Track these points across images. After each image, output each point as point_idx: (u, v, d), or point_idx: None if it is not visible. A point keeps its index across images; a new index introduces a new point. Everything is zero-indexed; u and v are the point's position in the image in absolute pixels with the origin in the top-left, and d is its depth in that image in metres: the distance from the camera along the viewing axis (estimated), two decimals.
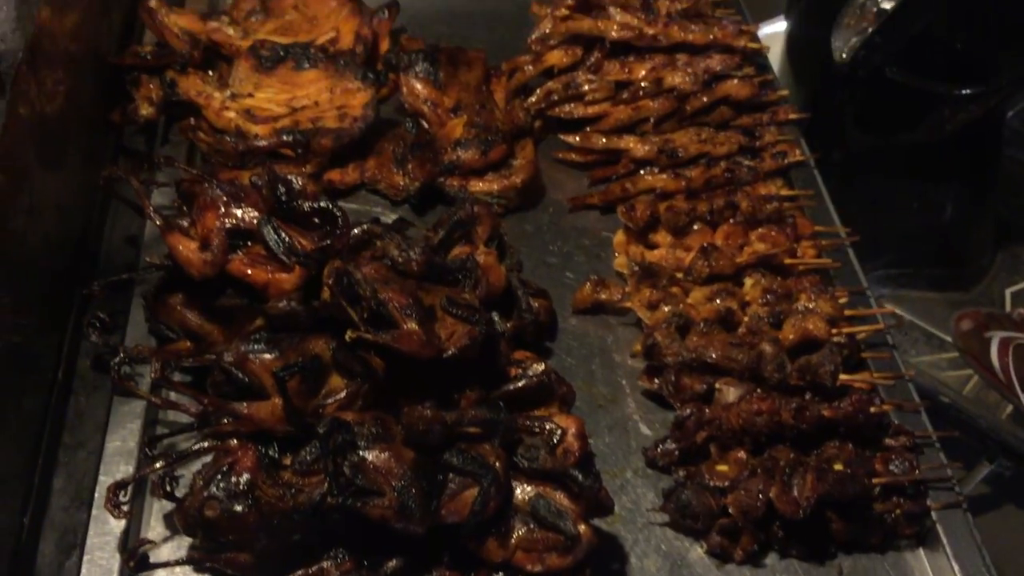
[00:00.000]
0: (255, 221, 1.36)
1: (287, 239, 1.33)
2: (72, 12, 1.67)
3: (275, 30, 1.95)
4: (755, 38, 2.00)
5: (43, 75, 1.49)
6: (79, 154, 1.64)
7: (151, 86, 1.75)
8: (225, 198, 1.37)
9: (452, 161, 1.79)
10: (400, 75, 1.89)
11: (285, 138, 1.64)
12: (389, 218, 1.79)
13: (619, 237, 1.78)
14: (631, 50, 1.95)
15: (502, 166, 1.84)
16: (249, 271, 1.36)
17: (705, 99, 1.92)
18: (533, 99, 1.93)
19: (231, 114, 1.75)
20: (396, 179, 1.80)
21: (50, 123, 1.51)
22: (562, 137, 1.93)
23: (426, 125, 1.87)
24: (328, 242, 1.35)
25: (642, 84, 1.90)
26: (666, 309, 1.58)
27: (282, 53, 1.86)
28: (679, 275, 1.66)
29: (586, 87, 1.91)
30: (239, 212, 1.37)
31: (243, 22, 1.96)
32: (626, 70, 1.92)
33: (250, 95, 1.81)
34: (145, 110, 1.72)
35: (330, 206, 1.39)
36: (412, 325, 1.29)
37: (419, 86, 1.88)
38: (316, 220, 1.40)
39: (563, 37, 1.95)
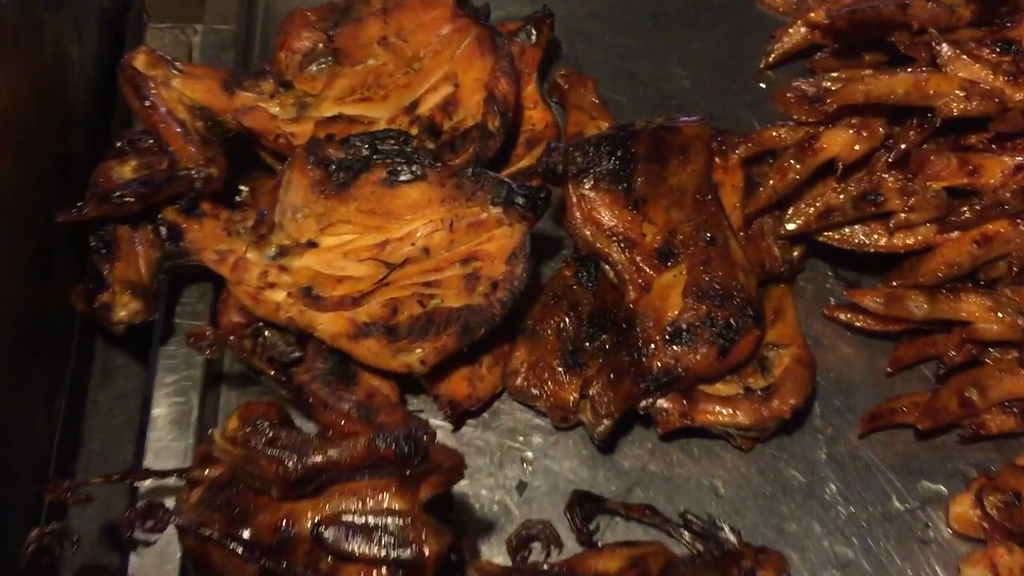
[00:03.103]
0: None
1: None
2: None
3: (350, 91, 1.14)
4: None
5: None
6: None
7: (138, 250, 0.98)
8: None
9: (666, 370, 1.01)
10: (567, 185, 1.08)
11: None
12: (551, 457, 1.05)
13: (962, 510, 1.00)
14: (970, 125, 1.10)
15: (749, 362, 1.05)
16: None
17: None
18: (799, 221, 1.11)
19: (280, 296, 0.99)
20: (565, 394, 1.03)
21: None
22: (849, 296, 1.11)
23: (612, 277, 1.08)
24: None
25: (1005, 194, 1.06)
26: None
27: (365, 150, 1.06)
28: None
29: (896, 200, 1.08)
30: None
31: (297, 79, 1.14)
32: (968, 168, 1.08)
33: (311, 244, 1.03)
34: (125, 309, 0.96)
35: None
36: None
37: (604, 212, 1.07)
38: None
39: (848, 100, 1.10)
